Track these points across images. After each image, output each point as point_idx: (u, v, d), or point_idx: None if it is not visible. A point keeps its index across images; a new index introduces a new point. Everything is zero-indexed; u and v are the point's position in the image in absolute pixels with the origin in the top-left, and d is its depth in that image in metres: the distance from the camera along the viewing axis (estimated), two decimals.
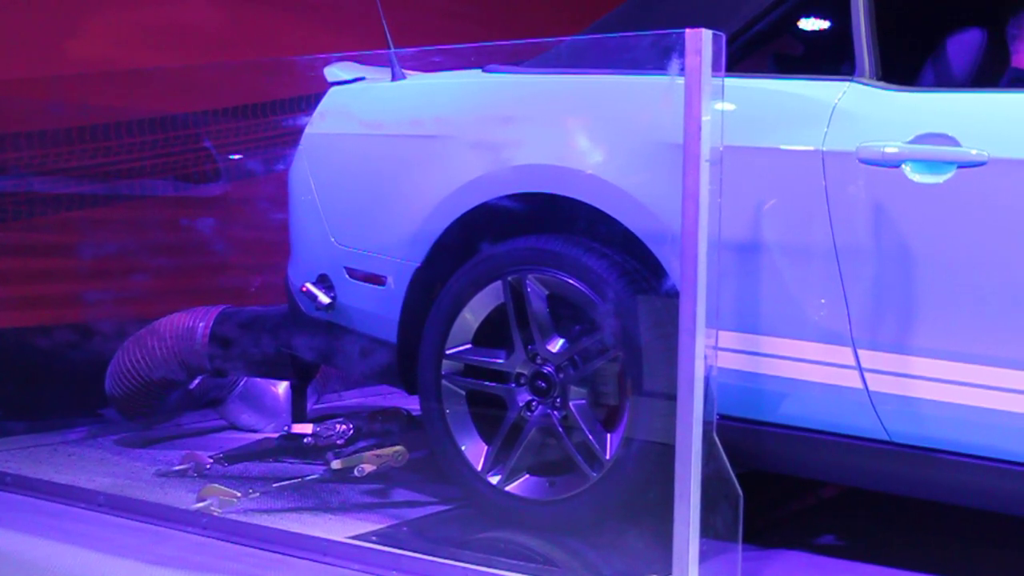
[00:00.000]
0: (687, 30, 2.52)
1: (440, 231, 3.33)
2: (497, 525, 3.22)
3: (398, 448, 3.57)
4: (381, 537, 3.16)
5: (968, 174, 2.64)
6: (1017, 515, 2.77)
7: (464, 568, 2.89)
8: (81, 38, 4.59)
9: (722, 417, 2.74)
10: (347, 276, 3.59)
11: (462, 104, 3.51)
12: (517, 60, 3.51)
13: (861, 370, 2.76)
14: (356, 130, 3.66)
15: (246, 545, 3.17)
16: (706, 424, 2.57)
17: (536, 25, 5.69)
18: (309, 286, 3.66)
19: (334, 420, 3.79)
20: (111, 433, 4.43)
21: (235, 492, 3.38)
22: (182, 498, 3.49)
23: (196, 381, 4.45)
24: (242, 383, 4.56)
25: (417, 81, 3.65)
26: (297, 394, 4.19)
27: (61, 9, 4.54)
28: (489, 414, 3.28)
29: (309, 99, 3.89)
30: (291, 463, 3.78)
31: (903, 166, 2.71)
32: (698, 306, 2.54)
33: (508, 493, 3.20)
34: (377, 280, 3.51)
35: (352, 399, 5.15)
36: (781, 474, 3.08)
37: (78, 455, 4.13)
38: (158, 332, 4.22)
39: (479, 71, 3.50)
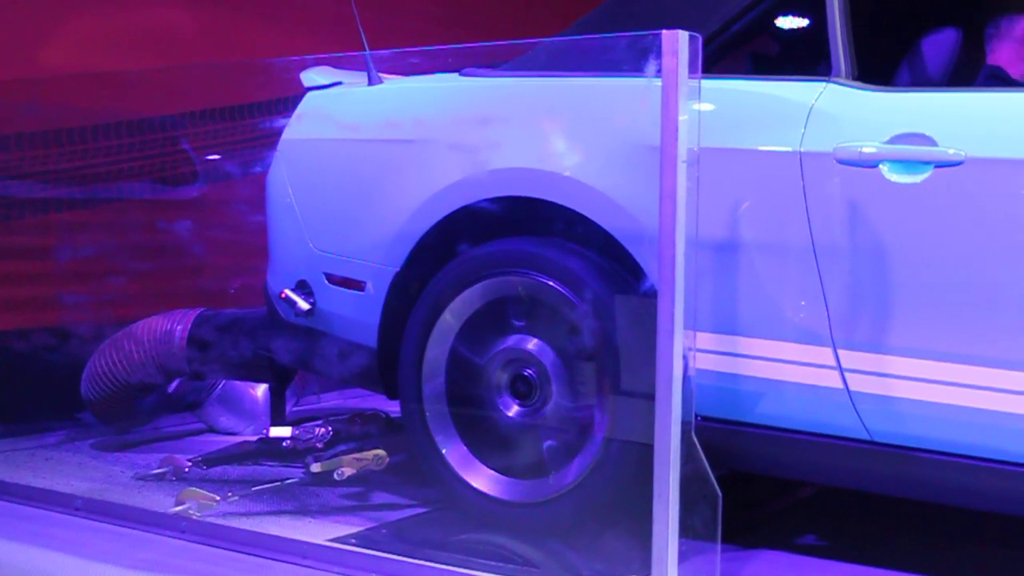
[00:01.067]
0: (663, 32, 2.53)
1: (419, 235, 3.33)
2: (477, 527, 3.22)
3: (378, 451, 3.57)
4: (361, 540, 3.15)
5: (945, 173, 2.65)
6: (997, 512, 2.78)
7: (444, 570, 2.88)
8: (57, 41, 4.57)
9: (702, 418, 2.74)
10: (326, 281, 3.59)
11: (440, 108, 3.51)
12: (494, 63, 3.51)
13: (841, 370, 2.77)
14: (334, 134, 3.65)
15: (225, 549, 3.16)
16: (685, 424, 2.58)
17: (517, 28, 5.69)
18: (288, 292, 3.65)
19: (313, 423, 3.78)
20: (89, 437, 4.41)
21: (214, 496, 3.37)
22: (161, 502, 3.47)
23: (174, 384, 4.43)
24: (220, 386, 4.55)
25: (394, 85, 3.65)
26: (276, 397, 4.18)
27: (36, 12, 4.52)
28: (470, 416, 3.28)
29: (287, 101, 3.88)
30: (270, 466, 3.77)
31: (880, 166, 2.72)
32: (676, 306, 2.55)
33: (488, 495, 3.20)
34: (356, 285, 3.50)
35: (331, 402, 5.14)
36: (761, 474, 3.09)
37: (55, 459, 4.11)
38: (135, 335, 4.20)
39: (456, 74, 3.51)
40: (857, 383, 2.75)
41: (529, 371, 3.16)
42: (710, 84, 2.69)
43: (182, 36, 4.93)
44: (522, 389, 3.18)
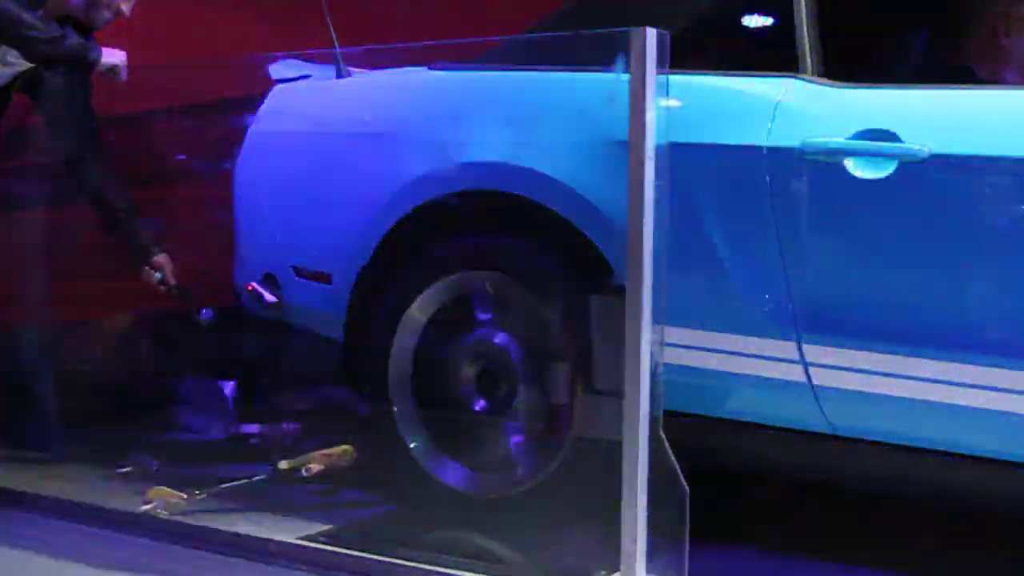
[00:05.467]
0: (632, 28, 2.53)
1: (386, 229, 3.32)
2: (445, 523, 3.22)
3: (346, 447, 3.57)
4: (329, 537, 3.15)
5: (909, 169, 2.67)
6: (961, 505, 2.80)
7: (412, 567, 2.88)
8: None
9: (668, 413, 2.75)
10: (293, 275, 3.58)
11: (408, 101, 3.50)
12: (462, 58, 3.50)
13: (805, 364, 2.78)
14: (301, 128, 3.64)
15: (193, 547, 3.15)
16: (653, 420, 2.58)
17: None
18: (255, 285, 3.64)
19: (281, 420, 3.76)
20: (55, 436, 4.37)
21: (181, 494, 3.36)
22: (128, 501, 3.45)
23: (142, 382, 4.41)
24: (188, 383, 4.52)
25: (362, 79, 3.64)
26: (243, 394, 4.16)
27: None
28: (437, 412, 3.28)
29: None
30: (238, 464, 3.75)
31: (845, 161, 2.73)
32: (645, 302, 2.55)
33: (456, 490, 3.20)
34: (323, 278, 3.49)
35: (299, 398, 5.12)
36: (727, 469, 3.10)
37: (21, 459, 4.08)
38: (103, 333, 4.17)
39: (425, 69, 3.50)
40: (821, 377, 2.76)
41: (496, 366, 3.17)
42: (677, 79, 2.69)
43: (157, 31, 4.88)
44: (489, 384, 3.18)
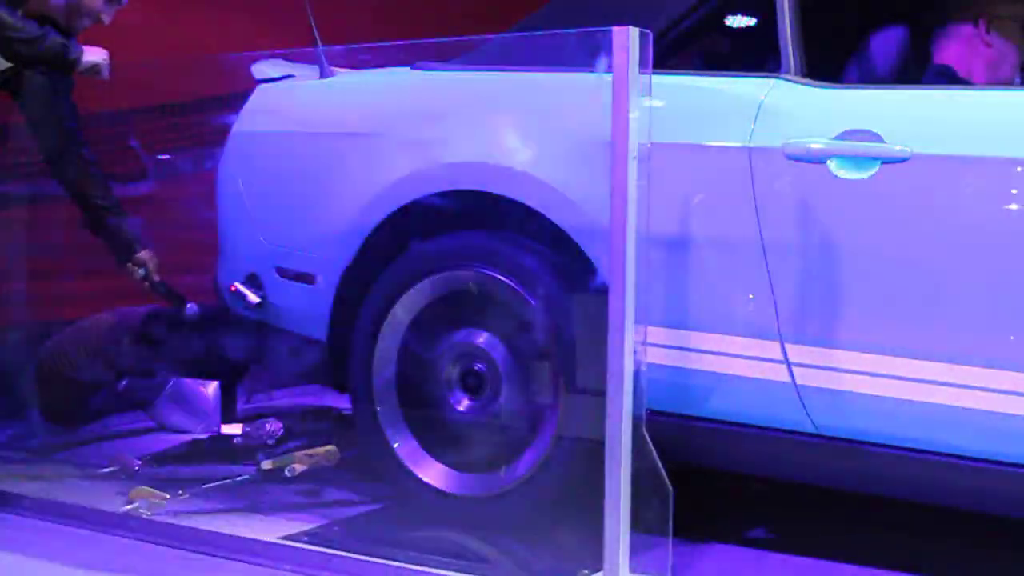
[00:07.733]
0: (614, 28, 2.54)
1: (369, 229, 3.32)
2: (429, 523, 3.22)
3: (329, 447, 3.56)
4: (312, 537, 3.14)
5: (892, 170, 2.67)
6: (941, 504, 2.81)
7: (397, 567, 2.88)
8: None
9: (652, 412, 2.76)
10: (277, 275, 3.57)
11: (391, 101, 3.50)
12: (445, 58, 3.51)
13: (789, 364, 2.79)
14: (284, 128, 3.63)
15: (176, 547, 3.14)
16: (636, 419, 2.59)
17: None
18: (238, 285, 3.63)
19: (264, 420, 3.76)
20: (37, 436, 4.36)
21: (164, 494, 3.36)
22: (110, 501, 3.44)
23: (124, 382, 4.40)
24: (171, 383, 4.51)
25: (346, 79, 3.64)
26: (227, 394, 4.15)
27: None
28: (421, 412, 3.27)
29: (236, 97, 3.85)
30: (221, 464, 3.75)
31: (828, 162, 2.74)
32: (627, 302, 2.56)
33: (439, 490, 3.20)
34: (307, 278, 3.49)
35: (282, 398, 5.11)
36: (711, 468, 3.11)
37: (2, 459, 4.07)
38: (84, 332, 4.16)
39: (408, 68, 3.50)
40: (804, 377, 2.77)
41: (480, 366, 3.17)
42: (660, 80, 2.70)
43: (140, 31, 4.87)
44: (473, 384, 3.18)
